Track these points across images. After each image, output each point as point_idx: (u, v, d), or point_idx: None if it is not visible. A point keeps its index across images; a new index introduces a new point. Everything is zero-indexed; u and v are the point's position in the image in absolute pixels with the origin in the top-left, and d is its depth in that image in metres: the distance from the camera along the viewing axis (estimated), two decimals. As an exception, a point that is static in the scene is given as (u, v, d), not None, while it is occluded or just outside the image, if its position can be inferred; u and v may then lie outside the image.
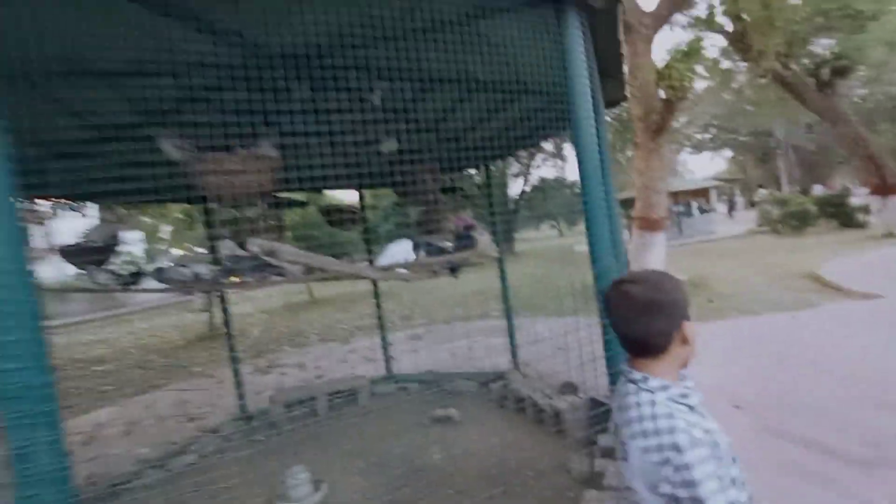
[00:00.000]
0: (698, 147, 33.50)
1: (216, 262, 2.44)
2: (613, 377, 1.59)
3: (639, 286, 1.02)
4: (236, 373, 4.11)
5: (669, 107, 8.63)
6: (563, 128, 2.35)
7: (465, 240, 2.63)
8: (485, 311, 7.66)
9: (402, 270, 2.20)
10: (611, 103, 3.20)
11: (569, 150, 20.62)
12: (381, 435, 3.56)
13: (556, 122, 1.98)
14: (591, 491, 2.33)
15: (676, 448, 0.89)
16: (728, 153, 36.06)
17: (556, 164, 23.36)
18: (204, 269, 2.20)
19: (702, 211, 20.72)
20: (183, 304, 14.80)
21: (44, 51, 1.31)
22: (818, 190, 18.48)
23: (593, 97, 1.80)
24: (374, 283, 4.79)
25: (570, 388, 3.53)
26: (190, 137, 2.25)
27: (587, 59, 1.84)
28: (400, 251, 2.28)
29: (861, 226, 12.89)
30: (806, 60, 14.02)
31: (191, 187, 2.13)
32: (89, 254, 2.84)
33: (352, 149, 3.12)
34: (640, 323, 1.01)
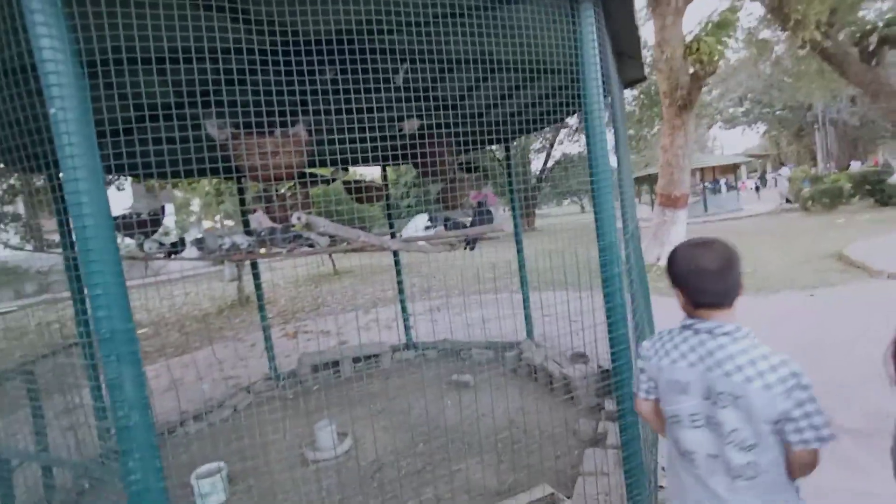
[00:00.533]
0: (731, 121, 32.16)
1: (250, 233, 2.66)
2: (616, 342, 1.75)
3: (720, 244, 1.18)
4: (266, 332, 4.43)
5: (696, 82, 8.41)
6: (578, 108, 2.43)
7: (482, 214, 2.78)
8: (503, 284, 7.84)
9: (422, 243, 2.37)
10: (630, 83, 3.22)
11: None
12: (400, 396, 3.84)
13: (571, 102, 2.07)
14: (594, 449, 2.53)
15: (796, 374, 1.07)
16: (762, 128, 34.50)
17: (580, 140, 22.90)
18: (241, 240, 2.42)
19: (729, 188, 20.14)
20: (215, 273, 15.45)
21: (104, 41, 1.48)
22: (856, 166, 17.64)
23: (605, 81, 1.89)
24: (395, 255, 5.00)
25: (580, 357, 3.71)
26: (230, 119, 2.43)
27: (603, 42, 1.91)
28: (420, 225, 2.44)
29: (899, 204, 12.39)
30: (853, 28, 13.15)
31: (230, 165, 2.33)
32: (137, 225, 3.12)
33: (376, 127, 3.27)
34: (730, 274, 1.16)
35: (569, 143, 21.78)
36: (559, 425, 3.10)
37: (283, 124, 2.44)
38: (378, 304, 8.15)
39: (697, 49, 8.26)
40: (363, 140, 3.26)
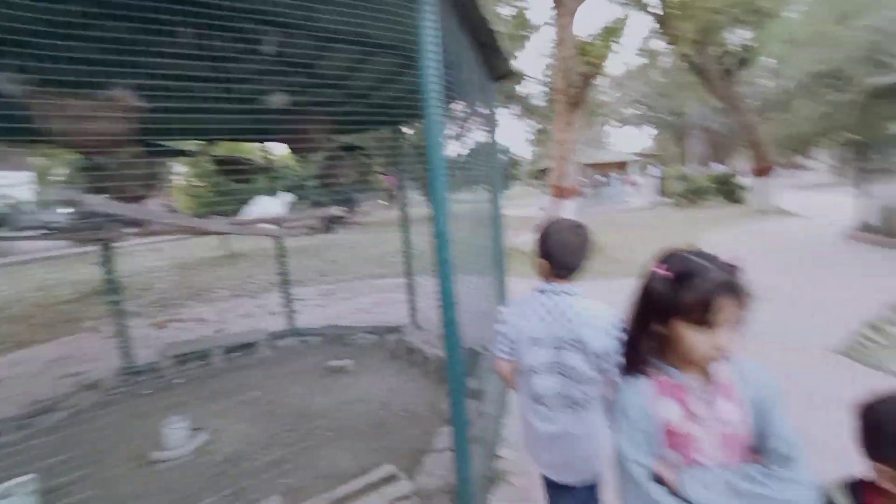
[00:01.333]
0: (625, 122, 35.36)
1: (75, 211, 2.32)
2: (446, 325, 1.82)
3: (583, 228, 1.48)
4: (122, 325, 3.97)
5: (586, 81, 9.06)
6: (454, 99, 2.45)
7: (347, 199, 2.71)
8: (402, 269, 7.86)
9: (268, 226, 2.24)
10: (500, 77, 3.34)
11: (501, 115, 20.82)
12: (273, 386, 3.68)
13: (452, 92, 2.06)
14: (448, 427, 2.64)
15: (617, 320, 1.31)
16: (653, 130, 38.37)
17: (489, 128, 23.59)
18: (53, 217, 2.10)
19: (627, 184, 22.21)
20: (82, 255, 13.46)
21: None
22: (715, 169, 20.48)
23: (450, 81, 1.92)
24: (278, 238, 4.74)
25: (454, 340, 3.85)
26: (35, 72, 2.07)
27: (449, 34, 1.94)
28: (267, 206, 2.31)
29: (741, 202, 14.63)
30: (718, 49, 15.04)
31: (34, 127, 1.99)
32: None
33: (236, 99, 3.01)
34: (587, 252, 1.46)
35: (479, 131, 22.23)
36: (426, 406, 3.21)
37: (104, 85, 2.14)
38: (270, 287, 7.72)
39: (589, 51, 8.89)
40: (222, 112, 3.01)
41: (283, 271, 4.89)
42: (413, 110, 4.21)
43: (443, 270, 1.81)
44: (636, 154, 29.63)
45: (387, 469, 2.11)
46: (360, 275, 7.97)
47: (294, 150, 3.34)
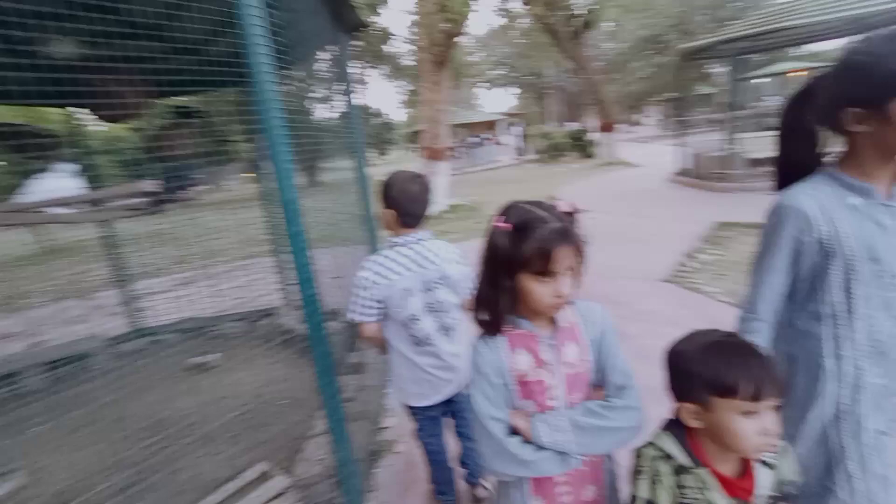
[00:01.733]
0: (493, 83, 36.66)
1: None
2: (306, 302, 1.66)
3: (423, 178, 1.61)
4: None
5: (449, 39, 9.01)
6: (289, 51, 2.12)
7: (176, 177, 2.28)
8: (275, 248, 7.20)
9: (61, 210, 1.76)
10: (352, 29, 3.05)
11: (372, 77, 19.97)
12: (115, 399, 3.11)
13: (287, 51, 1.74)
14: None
15: (464, 256, 1.63)
16: (516, 90, 40.45)
17: (346, 86, 22.52)
18: None
19: (496, 143, 23.24)
20: None
21: None
22: (569, 126, 22.59)
23: (279, 27, 1.65)
24: (104, 224, 3.92)
25: (332, 315, 3.66)
26: None
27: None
28: (55, 185, 1.80)
29: (592, 156, 16.45)
30: (567, 11, 16.14)
31: None
32: None
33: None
34: (428, 199, 1.60)
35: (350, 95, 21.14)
36: (307, 389, 3.01)
37: None
38: (107, 286, 6.49)
39: (449, 8, 8.78)
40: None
41: (118, 262, 4.09)
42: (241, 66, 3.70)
43: (296, 244, 1.61)
44: (502, 114, 31.17)
45: (258, 468, 1.92)
46: (226, 257, 7.13)
47: (98, 115, 2.67)
